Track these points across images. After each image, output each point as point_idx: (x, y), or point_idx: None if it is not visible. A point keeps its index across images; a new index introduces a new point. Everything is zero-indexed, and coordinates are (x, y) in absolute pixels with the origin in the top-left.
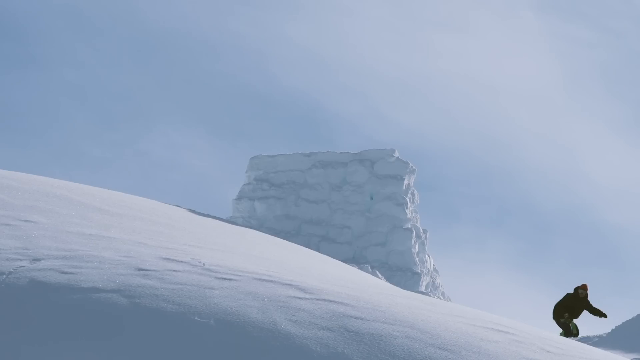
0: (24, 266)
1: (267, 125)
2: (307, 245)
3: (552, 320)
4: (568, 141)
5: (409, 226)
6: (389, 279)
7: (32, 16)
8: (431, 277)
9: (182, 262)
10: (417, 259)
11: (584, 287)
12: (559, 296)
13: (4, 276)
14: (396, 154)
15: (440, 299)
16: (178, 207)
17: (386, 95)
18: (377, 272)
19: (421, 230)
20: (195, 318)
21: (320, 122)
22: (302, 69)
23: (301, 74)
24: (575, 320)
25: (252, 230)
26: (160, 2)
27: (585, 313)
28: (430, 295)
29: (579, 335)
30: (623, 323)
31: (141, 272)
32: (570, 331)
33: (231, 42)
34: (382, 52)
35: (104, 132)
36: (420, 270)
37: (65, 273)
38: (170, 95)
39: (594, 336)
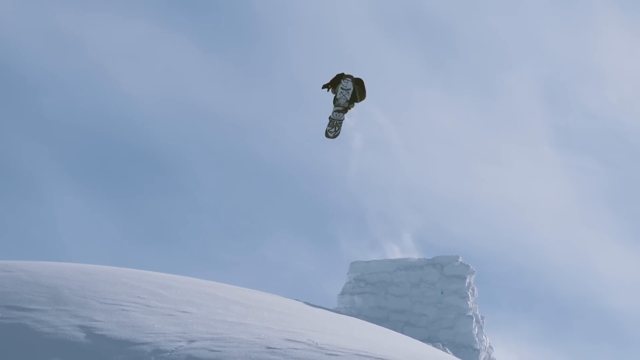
0: (182, 346)
1: (360, 237)
2: (394, 328)
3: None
4: (581, 246)
5: (471, 314)
6: (455, 354)
7: (178, 154)
8: (487, 352)
9: (300, 342)
10: (477, 338)
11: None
12: None
13: (168, 353)
14: (460, 259)
15: None
16: (296, 301)
17: (444, 213)
18: (447, 349)
19: (480, 316)
20: None
21: (397, 235)
22: (378, 195)
23: (378, 199)
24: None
25: (353, 318)
26: (269, 141)
27: None
28: None
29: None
30: None
31: (270, 349)
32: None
33: (321, 172)
34: (439, 178)
35: (232, 241)
36: (479, 347)
37: (213, 351)
38: (281, 212)
39: None
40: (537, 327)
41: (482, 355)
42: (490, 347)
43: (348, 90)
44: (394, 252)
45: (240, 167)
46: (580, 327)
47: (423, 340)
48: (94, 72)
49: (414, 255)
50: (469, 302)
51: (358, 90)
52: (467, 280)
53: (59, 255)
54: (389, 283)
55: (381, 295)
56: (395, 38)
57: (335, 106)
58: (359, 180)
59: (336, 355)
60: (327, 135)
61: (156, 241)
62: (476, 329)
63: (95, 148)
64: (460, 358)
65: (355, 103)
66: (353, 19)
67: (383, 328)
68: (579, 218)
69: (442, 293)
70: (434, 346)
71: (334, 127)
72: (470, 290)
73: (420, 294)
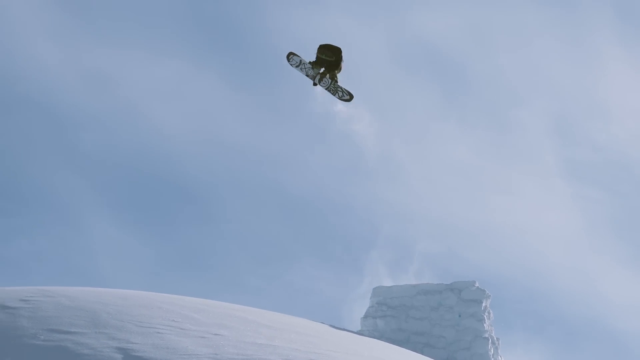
0: None
1: (381, 264)
2: (414, 349)
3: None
4: (589, 271)
5: (487, 336)
6: None
7: (208, 186)
8: None
9: None
10: (492, 359)
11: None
12: None
13: None
14: (476, 284)
15: None
16: (322, 323)
17: (461, 240)
18: None
19: (495, 338)
20: None
21: (417, 262)
22: (398, 224)
23: (397, 227)
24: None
25: (375, 340)
26: (294, 174)
27: None
28: None
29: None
30: None
31: None
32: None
33: (343, 202)
34: (455, 208)
35: (260, 267)
36: None
37: None
38: (306, 239)
39: None
40: (548, 347)
41: None
42: None
43: (301, 65)
44: (414, 278)
45: (267, 198)
46: (589, 347)
47: None
48: (129, 109)
49: (433, 280)
50: (485, 325)
51: (319, 52)
52: (484, 304)
53: (97, 281)
54: (409, 307)
55: (402, 318)
56: (413, 76)
57: (320, 84)
58: (380, 210)
59: None
60: (343, 98)
61: (189, 268)
62: (492, 350)
63: (131, 180)
64: None
65: (331, 61)
66: (374, 59)
67: (404, 349)
68: (587, 245)
69: (459, 316)
70: None
71: (331, 88)
72: (486, 314)
73: (439, 317)
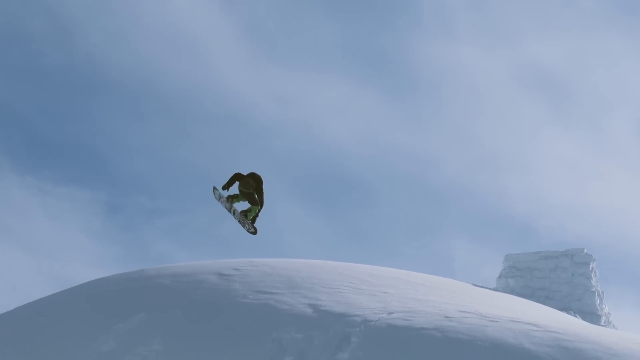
0: (383, 317)
1: (511, 235)
2: (537, 301)
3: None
4: None
5: (593, 290)
6: (583, 319)
7: (371, 177)
8: (607, 317)
9: (469, 312)
10: (598, 307)
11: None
12: None
13: (373, 322)
14: (585, 251)
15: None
16: (465, 283)
17: (571, 217)
18: (577, 315)
19: (600, 291)
20: (477, 342)
21: (539, 233)
22: (521, 205)
23: (522, 207)
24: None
25: (507, 294)
26: (434, 168)
27: None
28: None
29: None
30: None
31: (447, 318)
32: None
33: (475, 189)
34: (563, 192)
35: (411, 240)
36: (600, 314)
37: (407, 320)
38: (446, 218)
39: None
40: None
41: (603, 319)
42: (608, 313)
43: (222, 199)
44: (537, 246)
45: (415, 187)
46: None
47: (559, 309)
48: (307, 121)
49: (551, 248)
50: (592, 282)
51: (241, 185)
52: (591, 266)
53: (288, 253)
54: (533, 269)
55: (528, 278)
56: (528, 92)
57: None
58: (506, 195)
59: (496, 321)
60: (250, 230)
61: (357, 241)
62: (598, 301)
63: (311, 175)
64: (586, 322)
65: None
66: (495, 79)
67: (530, 301)
68: None
69: (572, 275)
70: (568, 314)
71: (241, 219)
72: (593, 273)
73: (557, 276)
